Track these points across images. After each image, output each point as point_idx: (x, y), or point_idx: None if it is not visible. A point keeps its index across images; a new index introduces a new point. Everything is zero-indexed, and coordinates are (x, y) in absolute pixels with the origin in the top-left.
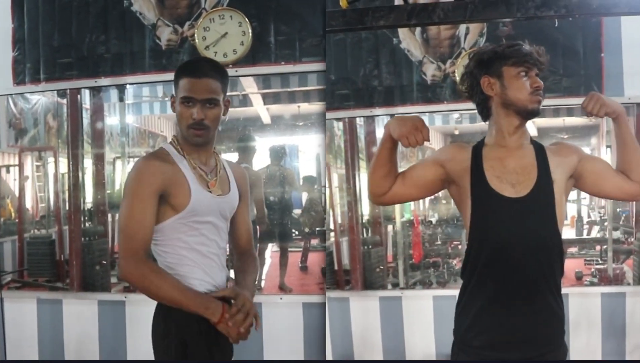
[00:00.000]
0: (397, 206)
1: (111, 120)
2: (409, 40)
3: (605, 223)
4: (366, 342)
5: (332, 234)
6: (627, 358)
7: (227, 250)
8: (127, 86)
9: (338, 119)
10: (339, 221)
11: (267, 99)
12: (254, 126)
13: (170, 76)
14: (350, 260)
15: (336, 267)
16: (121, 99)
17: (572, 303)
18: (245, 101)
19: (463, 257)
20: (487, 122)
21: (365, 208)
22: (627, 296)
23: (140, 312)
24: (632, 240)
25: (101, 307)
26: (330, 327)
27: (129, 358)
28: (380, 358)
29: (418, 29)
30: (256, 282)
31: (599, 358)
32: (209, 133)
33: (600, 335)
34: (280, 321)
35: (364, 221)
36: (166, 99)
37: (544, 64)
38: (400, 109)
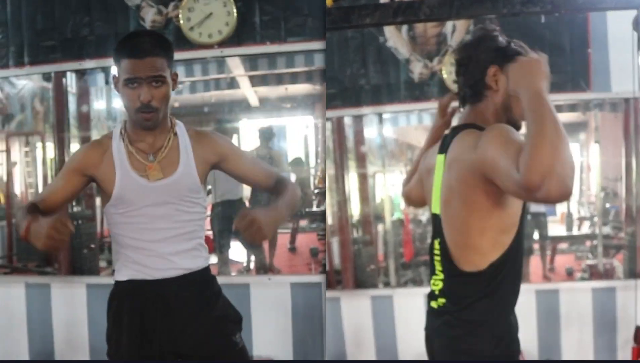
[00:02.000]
0: (387, 205)
1: (99, 104)
2: (395, 38)
3: (595, 219)
4: (358, 341)
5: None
6: (619, 352)
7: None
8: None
9: (326, 119)
10: (330, 221)
11: (255, 81)
12: (241, 108)
13: None
14: (341, 260)
15: (327, 267)
16: (107, 83)
17: (563, 299)
18: (232, 83)
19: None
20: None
21: (355, 208)
22: (618, 291)
23: None
24: (622, 235)
25: (90, 290)
26: None
27: None
28: (373, 357)
29: (404, 27)
30: (295, 205)
31: (591, 353)
32: (159, 115)
33: (592, 330)
34: (269, 301)
35: (354, 220)
36: None
37: None
38: (388, 108)
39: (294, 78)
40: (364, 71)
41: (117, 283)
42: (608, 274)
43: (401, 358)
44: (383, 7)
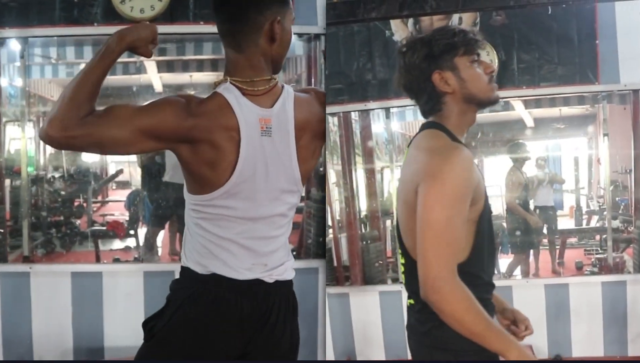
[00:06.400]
0: (395, 200)
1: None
2: (401, 32)
3: (605, 213)
4: (367, 337)
5: (331, 230)
6: (629, 346)
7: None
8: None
9: (332, 114)
10: (337, 217)
11: (162, 67)
12: (147, 94)
13: (82, 30)
14: (349, 256)
15: (335, 263)
16: (23, 56)
17: (573, 293)
18: (140, 68)
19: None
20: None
21: (363, 203)
22: (628, 285)
23: (47, 284)
24: (632, 228)
25: (1, 279)
26: (330, 323)
27: (34, 333)
28: (382, 353)
29: (411, 21)
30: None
31: (601, 347)
32: None
33: (602, 324)
34: None
35: (361, 216)
36: (60, 62)
37: (483, 42)
38: (395, 102)
39: (200, 66)
40: (370, 65)
41: None
42: (618, 268)
43: (410, 354)
44: (389, 1)
